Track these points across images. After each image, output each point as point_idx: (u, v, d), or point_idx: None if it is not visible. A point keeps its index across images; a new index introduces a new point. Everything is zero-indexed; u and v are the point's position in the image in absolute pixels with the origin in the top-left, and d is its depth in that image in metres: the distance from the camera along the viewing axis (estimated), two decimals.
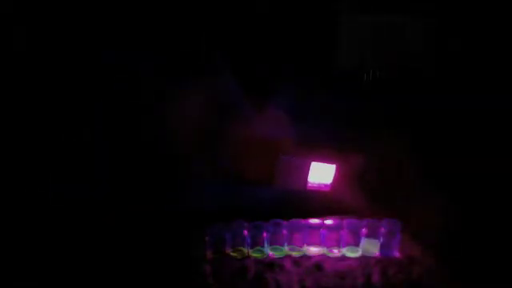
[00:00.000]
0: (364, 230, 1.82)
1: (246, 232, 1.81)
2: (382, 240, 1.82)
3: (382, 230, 1.82)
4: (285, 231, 1.82)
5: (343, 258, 1.81)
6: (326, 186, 2.13)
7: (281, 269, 1.73)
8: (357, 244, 1.83)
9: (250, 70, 2.21)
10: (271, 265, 1.75)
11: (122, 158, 2.18)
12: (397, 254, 1.82)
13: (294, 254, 1.82)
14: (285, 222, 1.84)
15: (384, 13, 2.38)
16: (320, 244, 1.83)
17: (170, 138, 2.21)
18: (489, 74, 2.30)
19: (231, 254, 1.80)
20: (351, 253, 1.82)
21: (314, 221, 1.86)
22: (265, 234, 1.81)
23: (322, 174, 2.12)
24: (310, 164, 2.10)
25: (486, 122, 2.25)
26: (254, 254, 1.81)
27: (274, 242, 1.82)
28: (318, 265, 1.76)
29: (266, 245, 1.82)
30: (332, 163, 2.11)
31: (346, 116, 2.28)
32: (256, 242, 1.81)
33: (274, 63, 2.26)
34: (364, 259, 1.80)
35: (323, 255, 1.81)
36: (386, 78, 2.41)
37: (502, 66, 2.29)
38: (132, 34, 2.21)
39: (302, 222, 1.85)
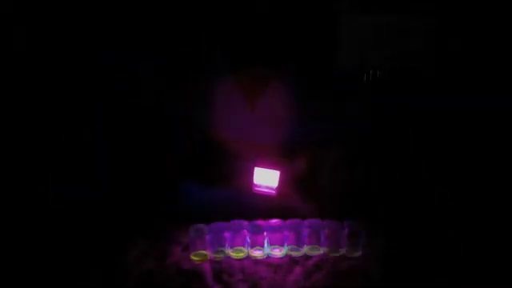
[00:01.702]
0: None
1: (245, 232, 1.81)
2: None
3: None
4: (285, 231, 1.82)
5: (343, 258, 1.81)
6: (272, 190, 2.14)
7: (281, 269, 1.74)
8: (357, 244, 1.83)
9: (249, 69, 2.21)
10: (271, 265, 1.76)
11: (122, 157, 2.18)
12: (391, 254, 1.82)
13: (294, 254, 1.82)
14: (285, 222, 1.84)
15: (384, 13, 2.38)
16: (320, 244, 1.83)
17: (168, 138, 2.21)
18: (489, 74, 2.30)
19: (231, 253, 1.81)
20: (351, 253, 1.82)
21: (314, 221, 1.86)
22: (265, 234, 1.82)
23: (267, 178, 2.14)
24: (253, 168, 2.13)
25: (486, 122, 2.25)
26: (254, 254, 1.81)
27: (274, 242, 1.82)
28: (318, 265, 1.76)
29: (265, 245, 1.82)
30: (276, 169, 2.12)
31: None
32: (256, 242, 1.81)
33: (273, 63, 2.25)
34: (364, 259, 1.80)
35: (323, 255, 1.82)
36: (386, 78, 2.41)
37: (501, 66, 2.29)
38: (132, 34, 2.21)
39: (303, 222, 1.85)
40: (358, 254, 1.82)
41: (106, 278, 1.66)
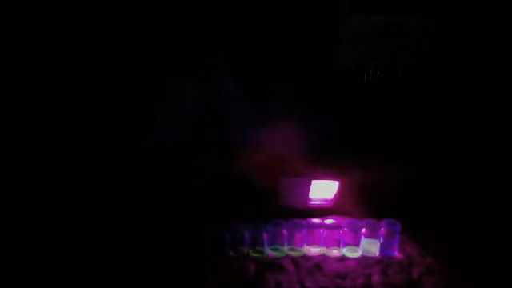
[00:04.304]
0: (364, 230, 1.83)
1: (245, 232, 1.81)
2: (382, 240, 1.82)
3: (382, 230, 1.82)
4: (285, 231, 1.82)
5: (343, 258, 1.81)
6: (328, 201, 2.11)
7: (281, 269, 1.74)
8: (357, 244, 1.83)
9: (249, 71, 2.21)
10: (271, 265, 1.76)
11: None
12: (396, 254, 1.82)
13: (294, 254, 1.82)
14: (285, 222, 1.84)
15: (384, 13, 2.38)
16: (320, 244, 1.83)
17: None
18: (489, 73, 2.30)
19: (231, 253, 1.81)
20: (351, 253, 1.83)
21: (314, 220, 1.86)
22: (265, 234, 1.82)
23: (323, 190, 2.10)
24: (310, 183, 2.08)
25: (485, 121, 2.25)
26: (254, 254, 1.81)
27: (274, 242, 1.82)
28: (318, 265, 1.76)
29: (265, 245, 1.82)
30: (334, 179, 2.08)
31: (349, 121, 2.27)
32: (256, 242, 1.82)
33: (273, 64, 2.25)
34: (364, 259, 1.80)
35: (323, 255, 1.82)
36: (386, 78, 2.41)
37: (502, 65, 2.29)
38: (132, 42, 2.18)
39: (302, 221, 1.85)
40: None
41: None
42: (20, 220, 1.93)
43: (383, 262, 1.78)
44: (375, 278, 1.68)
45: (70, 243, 1.83)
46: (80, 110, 2.11)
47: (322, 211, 2.07)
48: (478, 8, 2.28)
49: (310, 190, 2.09)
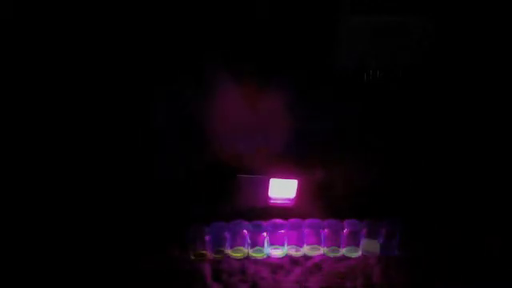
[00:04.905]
0: (364, 231, 1.83)
1: (245, 232, 1.81)
2: (381, 240, 1.82)
3: (382, 230, 1.82)
4: (284, 231, 1.82)
5: (343, 257, 1.81)
6: (288, 200, 2.08)
7: (281, 269, 1.74)
8: (357, 244, 1.83)
9: (247, 70, 2.21)
10: (271, 265, 1.76)
11: None
12: (396, 254, 1.82)
13: (294, 254, 1.82)
14: (285, 222, 1.84)
15: (384, 13, 2.38)
16: (320, 244, 1.83)
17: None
18: (489, 73, 2.30)
19: (231, 254, 1.81)
20: (351, 253, 1.82)
21: (315, 221, 1.86)
22: (265, 234, 1.81)
23: (283, 189, 2.07)
24: (268, 181, 2.05)
25: (486, 121, 2.25)
26: (254, 254, 1.81)
27: (274, 242, 1.82)
28: (318, 265, 1.76)
29: (266, 245, 1.82)
30: (294, 178, 2.05)
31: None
32: (256, 242, 1.81)
33: (272, 63, 2.25)
34: (364, 259, 1.80)
35: (323, 255, 1.82)
36: (386, 78, 2.41)
37: (502, 65, 2.29)
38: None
39: (303, 221, 1.85)
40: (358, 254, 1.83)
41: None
42: (19, 218, 1.94)
43: (383, 261, 1.78)
44: (375, 278, 1.69)
45: (71, 243, 1.84)
46: (80, 110, 2.12)
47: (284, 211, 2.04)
48: (478, 7, 2.28)
49: (270, 189, 2.06)
